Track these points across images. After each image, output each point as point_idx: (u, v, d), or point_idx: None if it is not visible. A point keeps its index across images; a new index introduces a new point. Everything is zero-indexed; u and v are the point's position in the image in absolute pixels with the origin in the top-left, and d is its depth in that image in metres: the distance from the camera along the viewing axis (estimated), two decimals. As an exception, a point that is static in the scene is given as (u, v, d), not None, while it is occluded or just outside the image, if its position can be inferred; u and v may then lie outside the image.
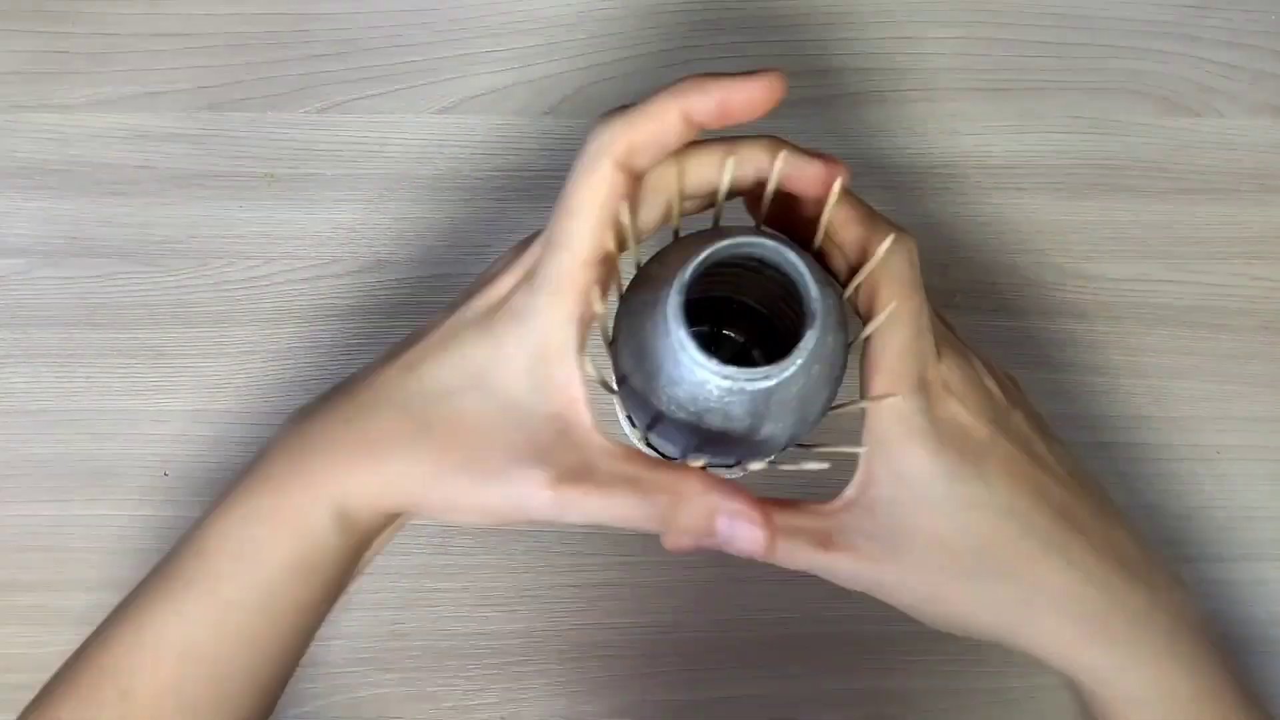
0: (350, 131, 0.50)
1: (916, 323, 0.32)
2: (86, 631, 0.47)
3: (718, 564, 0.47)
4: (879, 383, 0.31)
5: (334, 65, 0.50)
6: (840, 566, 0.32)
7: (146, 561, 0.47)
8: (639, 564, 0.48)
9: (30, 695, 0.46)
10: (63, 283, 0.49)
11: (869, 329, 0.31)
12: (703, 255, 0.28)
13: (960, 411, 0.33)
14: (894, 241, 0.31)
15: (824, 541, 0.31)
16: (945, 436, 0.32)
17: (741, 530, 0.29)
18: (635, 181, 0.30)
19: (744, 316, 0.37)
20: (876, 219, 0.33)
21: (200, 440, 0.48)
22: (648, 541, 0.48)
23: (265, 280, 0.49)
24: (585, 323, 0.30)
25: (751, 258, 0.30)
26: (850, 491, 0.32)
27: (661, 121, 0.29)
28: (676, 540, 0.30)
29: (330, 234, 0.49)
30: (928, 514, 0.31)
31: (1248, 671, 0.47)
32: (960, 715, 0.47)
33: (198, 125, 0.50)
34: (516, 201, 0.50)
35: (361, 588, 0.47)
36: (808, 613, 0.47)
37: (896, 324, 0.31)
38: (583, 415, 0.30)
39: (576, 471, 0.29)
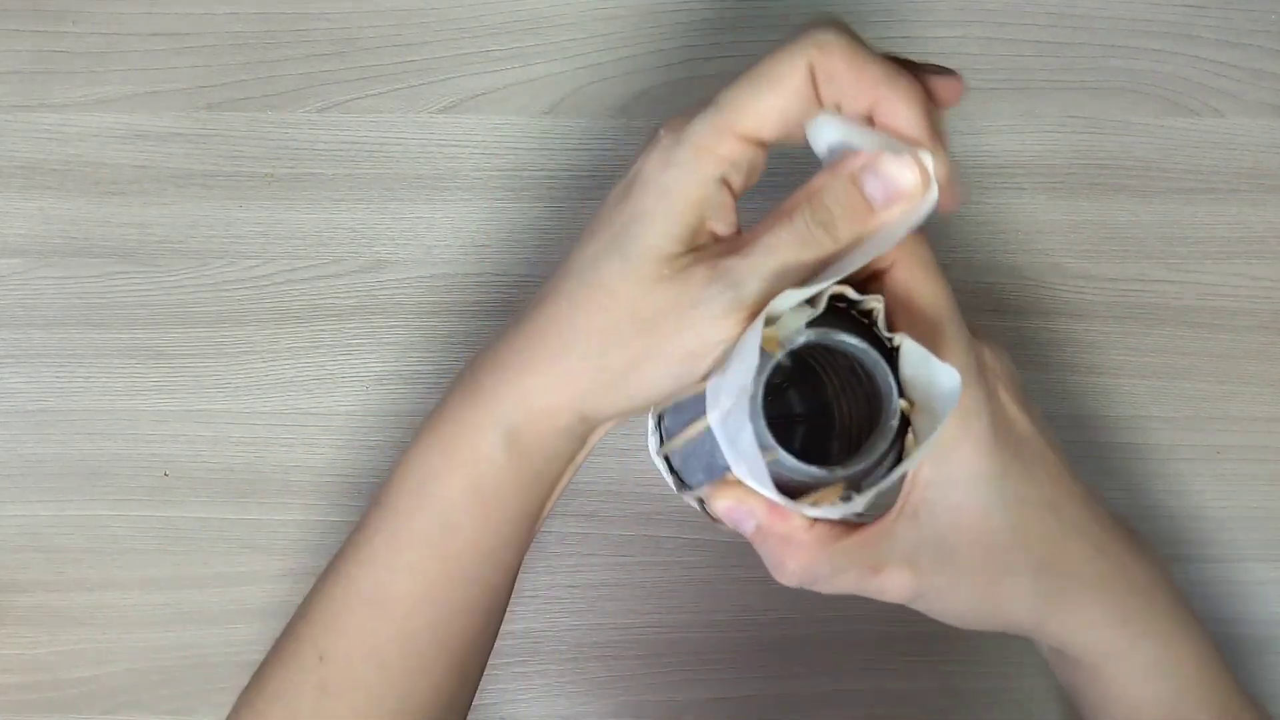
0: (350, 131, 0.50)
1: (951, 308, 0.30)
2: (86, 632, 0.47)
3: (718, 564, 0.47)
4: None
5: (333, 65, 0.50)
6: (891, 588, 0.31)
7: (146, 562, 0.47)
8: (639, 564, 0.48)
9: (30, 695, 0.47)
10: (61, 283, 0.49)
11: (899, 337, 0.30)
12: (791, 347, 0.28)
13: (1010, 403, 0.32)
14: (927, 277, 0.30)
15: (875, 567, 0.30)
16: (1000, 433, 0.31)
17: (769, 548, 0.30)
18: (813, 95, 0.28)
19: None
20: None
21: (200, 440, 0.48)
22: (647, 541, 0.48)
23: (265, 280, 0.49)
24: (728, 187, 0.29)
25: (841, 353, 0.29)
26: (893, 509, 0.31)
27: (864, 86, 0.28)
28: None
29: (330, 234, 0.49)
30: (977, 515, 0.31)
31: (1248, 672, 0.48)
32: (960, 715, 0.47)
33: (197, 125, 0.50)
34: (516, 201, 0.50)
35: (361, 588, 0.47)
36: (808, 613, 0.47)
37: (939, 311, 0.30)
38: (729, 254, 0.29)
39: (728, 250, 0.29)
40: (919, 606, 0.32)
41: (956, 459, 0.30)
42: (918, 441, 0.29)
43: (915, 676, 0.47)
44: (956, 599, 0.32)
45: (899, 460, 0.29)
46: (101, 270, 0.49)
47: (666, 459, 0.37)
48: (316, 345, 0.49)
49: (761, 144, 0.29)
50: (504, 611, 0.35)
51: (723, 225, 0.29)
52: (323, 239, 0.49)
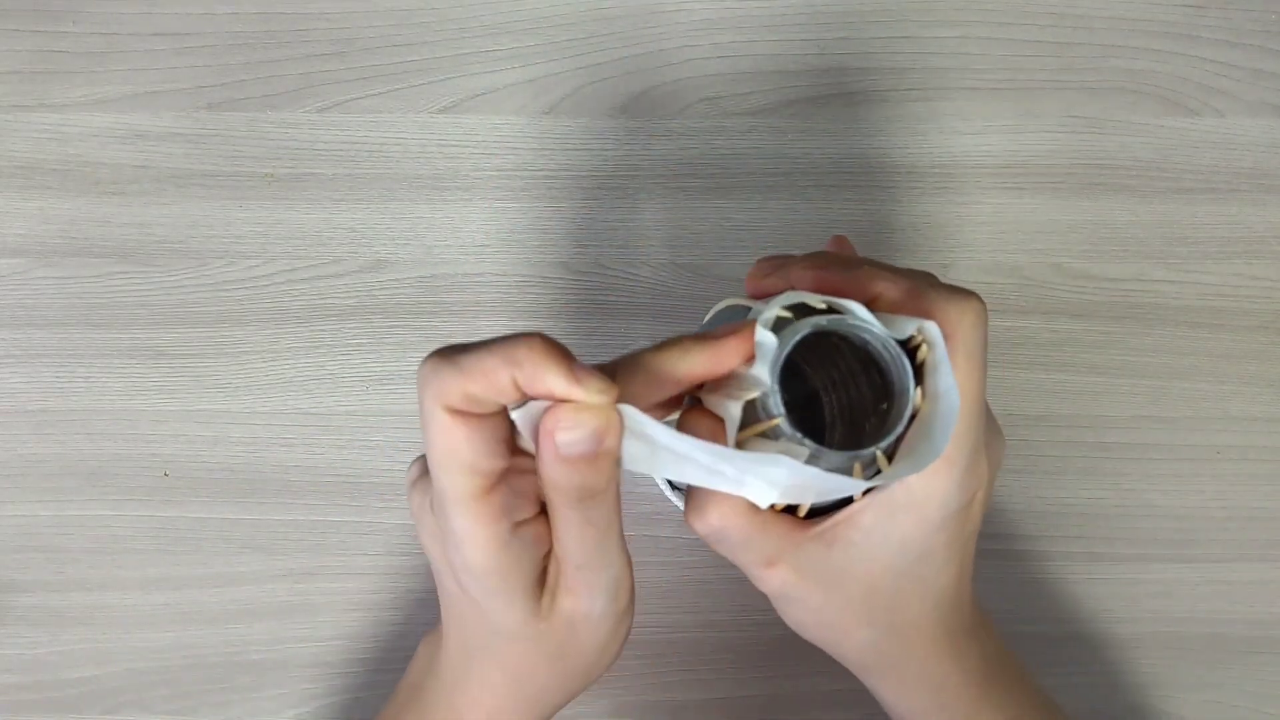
0: (349, 131, 0.50)
1: (978, 403, 0.31)
2: (86, 632, 0.47)
3: (718, 564, 0.47)
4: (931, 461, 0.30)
5: (333, 65, 0.50)
6: (768, 581, 0.33)
7: (146, 562, 0.47)
8: (639, 564, 0.47)
9: (30, 696, 0.47)
10: (61, 283, 0.49)
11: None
12: (802, 333, 0.28)
13: (978, 506, 0.33)
14: (967, 308, 0.30)
15: (771, 561, 0.32)
16: (950, 527, 0.32)
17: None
18: (481, 420, 0.28)
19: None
20: (937, 288, 0.31)
21: (200, 440, 0.48)
22: (647, 541, 0.48)
23: (265, 280, 0.49)
24: (509, 520, 0.29)
25: (851, 338, 0.30)
26: (825, 523, 0.32)
27: (492, 381, 0.27)
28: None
29: (330, 234, 0.49)
30: (881, 571, 0.32)
31: (1248, 672, 0.47)
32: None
33: (196, 125, 0.50)
34: (516, 201, 0.50)
35: (361, 588, 0.47)
36: (808, 612, 0.47)
37: (965, 401, 0.30)
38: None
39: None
40: (777, 605, 0.34)
41: (902, 523, 0.31)
42: (900, 450, 0.29)
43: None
44: (812, 618, 0.34)
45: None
46: (101, 270, 0.49)
47: (668, 479, 0.37)
48: (316, 345, 0.49)
49: (498, 469, 0.29)
50: None
51: (539, 544, 0.30)
52: (323, 239, 0.49)
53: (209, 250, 0.49)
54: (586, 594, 0.30)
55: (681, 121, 0.50)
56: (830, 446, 0.28)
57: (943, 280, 0.32)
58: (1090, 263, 0.50)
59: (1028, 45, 0.51)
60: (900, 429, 0.29)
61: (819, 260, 0.33)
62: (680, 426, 0.31)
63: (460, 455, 0.27)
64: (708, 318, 0.35)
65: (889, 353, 0.29)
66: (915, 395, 0.29)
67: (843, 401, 0.35)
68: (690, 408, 0.31)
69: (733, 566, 0.47)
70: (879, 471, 0.29)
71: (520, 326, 0.49)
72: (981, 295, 0.31)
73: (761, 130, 0.50)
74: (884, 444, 0.28)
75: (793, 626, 0.35)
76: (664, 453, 0.28)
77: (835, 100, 0.51)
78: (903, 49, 0.51)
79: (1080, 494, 0.48)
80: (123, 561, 0.47)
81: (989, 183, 0.50)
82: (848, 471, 0.28)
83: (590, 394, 0.26)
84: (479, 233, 0.49)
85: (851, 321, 0.28)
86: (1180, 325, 0.49)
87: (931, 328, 0.29)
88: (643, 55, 0.51)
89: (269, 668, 0.47)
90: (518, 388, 0.27)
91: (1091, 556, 0.48)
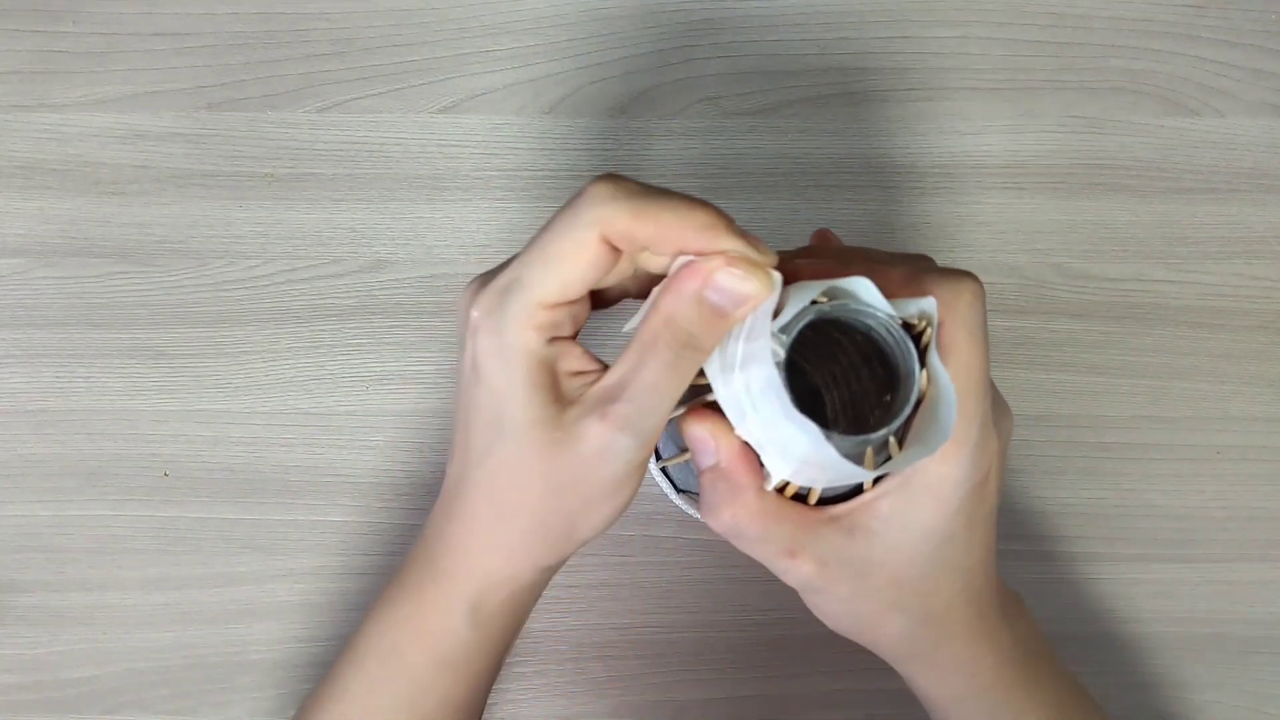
0: (350, 131, 0.50)
1: (983, 380, 0.31)
2: (86, 632, 0.47)
3: (718, 564, 0.47)
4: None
5: (333, 65, 0.50)
6: (794, 573, 0.32)
7: (145, 562, 0.47)
8: (639, 564, 0.48)
9: (30, 696, 0.47)
10: (61, 283, 0.49)
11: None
12: (806, 320, 0.28)
13: (993, 481, 0.33)
14: (964, 287, 0.30)
15: (793, 552, 0.32)
16: (968, 506, 0.32)
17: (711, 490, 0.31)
18: (614, 254, 0.29)
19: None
20: (933, 271, 0.31)
21: (200, 440, 0.48)
22: (647, 541, 0.48)
23: (265, 280, 0.49)
24: (560, 340, 0.30)
25: (854, 325, 0.30)
26: (841, 509, 0.32)
27: (663, 231, 0.28)
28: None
29: (330, 234, 0.49)
30: (905, 559, 0.32)
31: (1247, 671, 0.48)
32: (960, 715, 0.47)
33: (196, 125, 0.50)
34: (516, 201, 0.50)
35: (361, 588, 0.47)
36: (808, 613, 0.47)
37: (964, 380, 0.30)
38: (609, 401, 0.30)
39: (609, 396, 0.29)
40: (806, 599, 0.34)
41: (919, 509, 0.31)
42: (909, 435, 0.29)
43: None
44: (841, 609, 0.34)
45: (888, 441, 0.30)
46: (101, 270, 0.49)
47: (665, 471, 0.37)
48: (316, 345, 0.49)
49: (575, 302, 0.30)
50: None
51: (577, 364, 0.31)
52: (323, 239, 0.49)
53: (209, 250, 0.49)
54: (621, 427, 0.29)
55: (681, 121, 0.50)
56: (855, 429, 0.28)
57: (939, 265, 0.32)
58: (1090, 263, 0.50)
59: (1028, 45, 0.51)
60: (908, 410, 0.29)
61: (812, 253, 0.33)
62: (684, 422, 0.31)
63: (570, 271, 0.28)
64: None
65: (892, 336, 0.29)
66: (920, 378, 0.29)
67: (844, 397, 0.35)
68: (695, 405, 0.31)
69: (733, 567, 0.47)
70: (889, 458, 0.29)
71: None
72: (987, 325, 0.31)
73: (761, 130, 0.50)
74: (894, 426, 0.28)
75: (824, 619, 0.35)
76: (725, 373, 0.29)
77: (835, 100, 0.51)
78: (903, 49, 0.51)
79: (1080, 494, 0.48)
80: (123, 561, 0.47)
81: (989, 183, 0.50)
82: (859, 459, 0.28)
83: (764, 256, 0.28)
84: (479, 233, 0.49)
85: (852, 307, 0.28)
86: (1180, 325, 0.49)
87: (932, 305, 0.29)
88: (643, 55, 0.51)
89: (269, 668, 0.47)
90: (681, 249, 0.28)
91: (1091, 556, 0.48)
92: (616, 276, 0.30)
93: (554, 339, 0.30)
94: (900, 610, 0.33)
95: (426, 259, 0.49)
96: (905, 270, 0.31)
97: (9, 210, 0.49)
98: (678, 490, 0.37)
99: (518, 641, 0.37)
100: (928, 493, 0.31)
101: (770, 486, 0.31)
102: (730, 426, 0.30)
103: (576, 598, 0.47)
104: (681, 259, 0.29)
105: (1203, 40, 0.52)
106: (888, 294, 0.29)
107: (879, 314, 0.28)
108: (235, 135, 0.50)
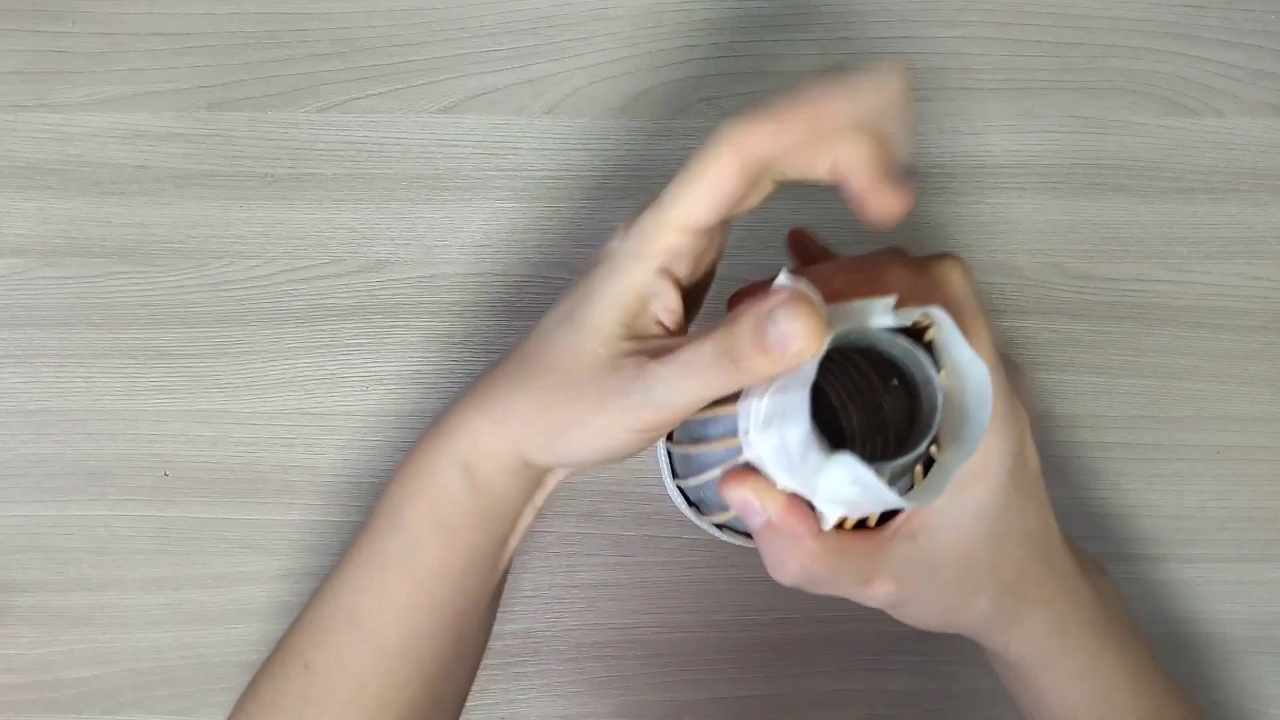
0: (350, 131, 0.50)
1: (991, 352, 0.31)
2: (86, 632, 0.47)
3: (718, 564, 0.47)
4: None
5: (334, 65, 0.50)
6: (876, 597, 0.33)
7: (146, 562, 0.47)
8: (639, 564, 0.48)
9: (30, 695, 0.47)
10: (61, 283, 0.49)
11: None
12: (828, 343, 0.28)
13: (1029, 445, 0.34)
14: (947, 268, 0.31)
15: (868, 579, 0.32)
16: (1013, 475, 0.33)
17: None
18: (746, 179, 0.30)
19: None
20: (922, 260, 0.32)
21: (200, 440, 0.48)
22: (647, 541, 0.48)
23: (265, 280, 0.49)
24: (670, 276, 0.31)
25: (857, 346, 0.30)
26: (897, 521, 0.33)
27: (806, 153, 0.29)
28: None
29: (330, 234, 0.49)
30: (966, 542, 0.33)
31: (1248, 671, 0.48)
32: (959, 715, 0.47)
33: (197, 125, 0.50)
34: (516, 201, 0.50)
35: (361, 588, 0.47)
36: (808, 613, 0.47)
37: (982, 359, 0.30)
38: (657, 356, 0.30)
39: (657, 352, 0.30)
40: (893, 613, 0.34)
41: (966, 494, 0.32)
42: (944, 437, 0.29)
43: (915, 676, 0.47)
44: (927, 610, 0.34)
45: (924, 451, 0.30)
46: (101, 270, 0.49)
47: (680, 489, 0.37)
48: (316, 345, 0.49)
49: (702, 232, 0.31)
50: (479, 643, 0.38)
51: (665, 313, 0.32)
52: (323, 239, 0.49)
53: (209, 250, 0.49)
54: (640, 380, 0.30)
55: (681, 121, 0.50)
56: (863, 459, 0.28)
57: (912, 254, 0.33)
58: (1090, 263, 0.50)
59: (1028, 45, 0.51)
60: (937, 417, 0.29)
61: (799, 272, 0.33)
62: (723, 488, 0.32)
63: (704, 191, 0.30)
64: None
65: (899, 348, 0.29)
66: (939, 378, 0.29)
67: (876, 420, 0.35)
68: (730, 470, 0.32)
69: (733, 567, 0.47)
70: (932, 461, 0.29)
71: (520, 327, 0.49)
72: (983, 294, 0.32)
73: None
74: (929, 438, 0.29)
75: (914, 624, 0.35)
76: (760, 431, 0.29)
77: (835, 100, 0.51)
78: (903, 49, 0.51)
79: (1080, 494, 0.48)
80: (123, 561, 0.47)
81: (989, 183, 0.50)
82: (907, 474, 0.29)
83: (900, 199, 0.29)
84: (479, 233, 0.49)
85: (848, 330, 0.28)
86: (1180, 325, 0.49)
87: (934, 310, 0.29)
88: (643, 55, 0.51)
89: (269, 668, 0.47)
90: (831, 172, 0.29)
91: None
92: (748, 204, 0.32)
93: (664, 271, 0.31)
94: (979, 591, 0.34)
95: (426, 259, 0.49)
96: (886, 270, 0.31)
97: (9, 210, 0.49)
98: (688, 503, 0.37)
99: (514, 562, 0.37)
100: (972, 477, 0.32)
101: (828, 526, 0.31)
102: (768, 481, 0.31)
103: (576, 598, 0.47)
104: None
105: (1203, 40, 0.52)
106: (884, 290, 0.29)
107: (880, 332, 0.29)
108: (235, 135, 0.50)
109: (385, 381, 0.48)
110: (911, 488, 0.30)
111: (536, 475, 0.35)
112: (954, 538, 0.32)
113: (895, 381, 0.32)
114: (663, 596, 0.47)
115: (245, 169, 0.50)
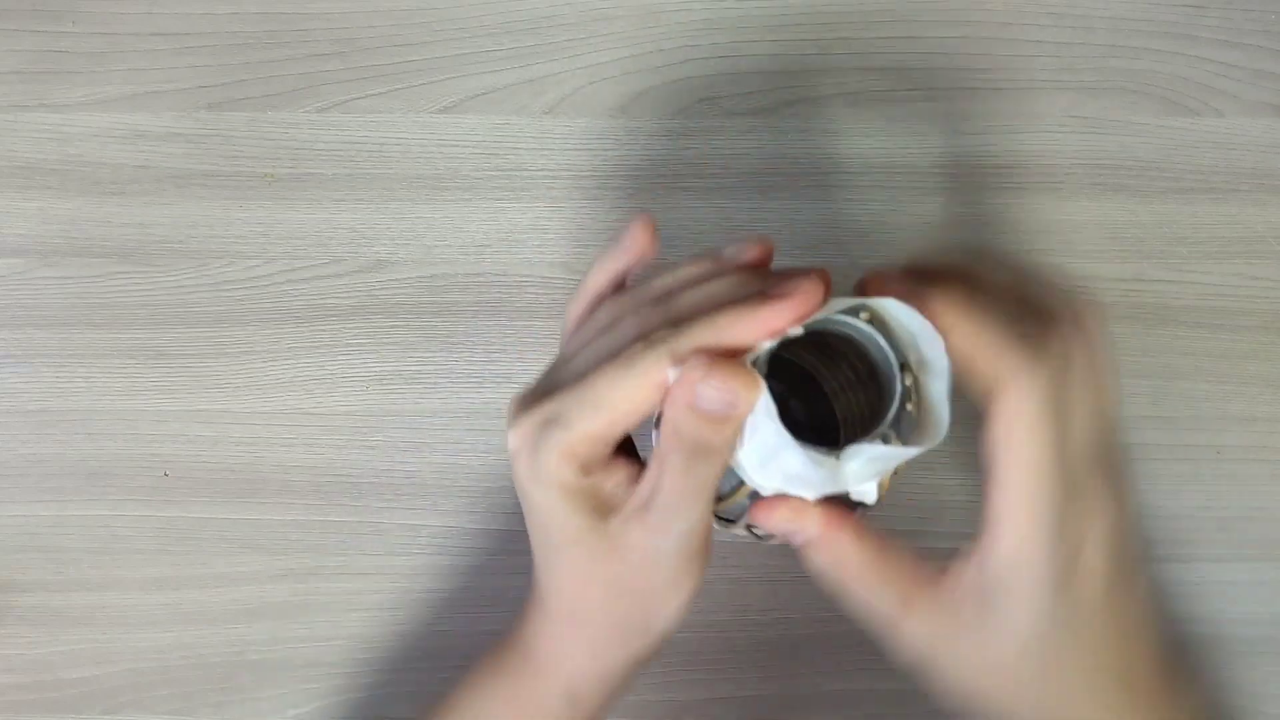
0: (350, 131, 0.50)
1: (1052, 465, 0.29)
2: (86, 632, 0.47)
3: (718, 564, 0.47)
4: (1003, 526, 0.30)
5: (334, 65, 0.50)
6: (908, 635, 0.32)
7: (146, 562, 0.47)
8: (639, 564, 0.47)
9: (30, 696, 0.47)
10: (61, 282, 0.49)
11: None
12: (792, 332, 0.29)
13: (1097, 550, 0.30)
14: (1028, 367, 0.29)
15: (905, 602, 0.32)
16: (1063, 589, 0.30)
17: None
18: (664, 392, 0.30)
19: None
20: (1010, 332, 0.29)
21: (199, 440, 0.48)
22: (648, 541, 0.48)
23: (265, 280, 0.49)
24: (593, 470, 0.31)
25: (834, 337, 0.30)
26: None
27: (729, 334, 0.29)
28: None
29: (330, 234, 0.49)
30: (1011, 673, 0.31)
31: (1248, 672, 0.47)
32: (958, 716, 0.47)
33: (197, 125, 0.50)
34: (516, 201, 0.50)
35: (361, 588, 0.47)
36: (808, 613, 0.47)
37: (1023, 468, 0.29)
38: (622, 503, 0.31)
39: (644, 502, 0.31)
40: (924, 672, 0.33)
41: (1006, 603, 0.30)
42: (923, 403, 0.30)
43: (915, 677, 0.47)
44: (960, 677, 0.33)
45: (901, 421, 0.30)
46: (101, 270, 0.49)
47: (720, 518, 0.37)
48: (316, 345, 0.49)
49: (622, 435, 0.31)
50: None
51: (616, 476, 0.32)
52: (323, 239, 0.49)
53: (209, 250, 0.49)
54: (657, 530, 0.30)
55: (681, 121, 0.50)
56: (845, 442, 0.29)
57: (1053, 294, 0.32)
58: (1090, 263, 0.50)
59: (1028, 45, 0.51)
60: (894, 398, 0.29)
61: (910, 274, 0.32)
62: (759, 518, 0.32)
63: (622, 417, 0.30)
64: None
65: (855, 329, 0.29)
66: (903, 377, 0.29)
67: (854, 400, 0.35)
68: (764, 502, 0.32)
69: (733, 567, 0.47)
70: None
71: (520, 327, 0.49)
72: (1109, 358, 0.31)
73: (761, 130, 0.50)
74: (887, 418, 0.29)
75: (943, 694, 0.34)
76: (761, 468, 0.30)
77: (835, 100, 0.51)
78: (903, 49, 0.51)
79: (1080, 494, 0.48)
80: (123, 561, 0.47)
81: (989, 183, 0.50)
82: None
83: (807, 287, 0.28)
84: (479, 233, 0.49)
85: (824, 318, 0.29)
86: (1180, 325, 0.49)
87: (887, 304, 0.29)
88: (643, 55, 0.51)
89: (269, 668, 0.47)
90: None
91: (1091, 556, 0.48)
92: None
93: (588, 469, 0.31)
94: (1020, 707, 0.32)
95: (426, 259, 0.49)
96: (990, 329, 0.29)
97: (9, 210, 0.49)
98: (727, 521, 0.37)
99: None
100: (1000, 588, 0.30)
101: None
102: (800, 500, 0.31)
103: (576, 598, 0.47)
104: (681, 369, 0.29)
105: (1203, 40, 0.51)
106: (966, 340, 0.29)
107: (839, 318, 0.29)
108: (235, 135, 0.50)
109: (385, 381, 0.48)
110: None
111: (641, 665, 0.35)
112: (1001, 649, 0.31)
113: (861, 365, 0.32)
114: (663, 596, 0.47)
115: (245, 169, 0.50)
